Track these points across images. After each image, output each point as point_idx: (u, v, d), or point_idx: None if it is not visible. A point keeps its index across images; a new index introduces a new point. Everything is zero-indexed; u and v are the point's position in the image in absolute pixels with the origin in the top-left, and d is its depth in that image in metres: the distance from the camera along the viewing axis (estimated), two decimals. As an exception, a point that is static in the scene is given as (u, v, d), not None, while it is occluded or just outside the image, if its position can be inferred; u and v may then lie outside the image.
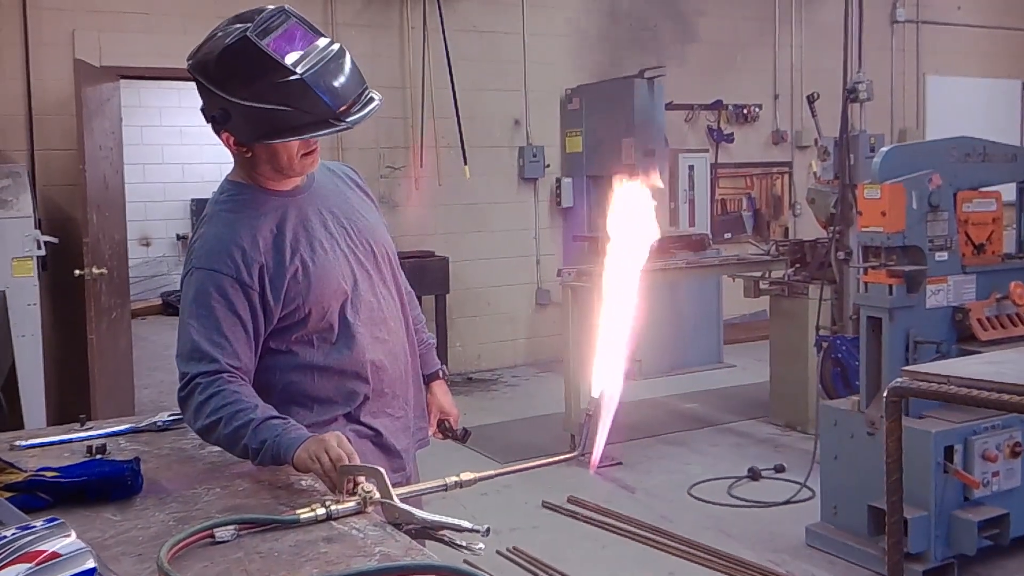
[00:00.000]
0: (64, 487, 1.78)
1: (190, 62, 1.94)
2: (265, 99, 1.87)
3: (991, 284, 4.32)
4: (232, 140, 1.99)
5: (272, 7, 1.92)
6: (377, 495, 1.70)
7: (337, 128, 1.92)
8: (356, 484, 1.71)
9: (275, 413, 1.89)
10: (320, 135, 1.95)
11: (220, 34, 1.90)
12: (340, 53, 1.93)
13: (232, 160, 2.12)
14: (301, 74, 1.86)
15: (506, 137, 8.56)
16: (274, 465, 1.87)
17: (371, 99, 1.98)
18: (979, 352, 3.80)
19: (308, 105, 1.88)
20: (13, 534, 1.21)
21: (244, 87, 1.88)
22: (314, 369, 2.09)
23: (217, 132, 1.99)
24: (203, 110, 1.97)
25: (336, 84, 1.90)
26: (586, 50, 8.65)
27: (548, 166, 8.67)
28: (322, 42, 1.93)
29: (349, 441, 2.04)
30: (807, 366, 6.06)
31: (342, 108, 1.92)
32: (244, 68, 1.87)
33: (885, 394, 2.71)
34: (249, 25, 1.86)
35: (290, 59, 1.86)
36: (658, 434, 6.34)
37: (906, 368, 3.04)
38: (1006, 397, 2.44)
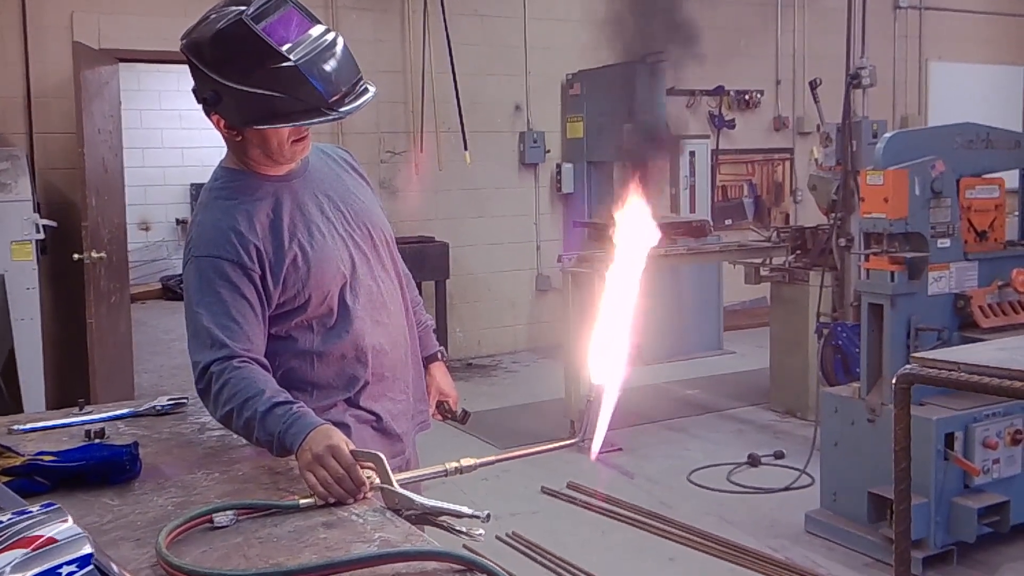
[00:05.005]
0: (62, 471, 1.78)
1: (183, 42, 1.92)
2: (257, 84, 1.85)
3: (993, 271, 4.31)
4: (222, 123, 1.97)
5: None
6: (377, 481, 1.70)
7: (329, 117, 1.90)
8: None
9: (280, 399, 1.86)
10: (311, 123, 1.93)
11: (215, 15, 1.88)
12: (336, 41, 1.92)
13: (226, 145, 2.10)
14: (295, 61, 1.84)
15: (507, 122, 8.54)
16: (288, 456, 1.85)
17: (366, 90, 1.96)
18: (980, 339, 3.79)
19: (301, 93, 1.86)
20: (9, 519, 1.20)
21: (236, 71, 1.86)
22: (313, 355, 2.08)
23: (208, 114, 1.97)
24: (194, 91, 1.95)
25: (330, 73, 1.88)
26: (587, 35, 8.61)
27: (549, 152, 8.65)
28: (318, 29, 1.91)
29: (350, 430, 2.03)
30: (807, 353, 6.07)
31: (335, 97, 1.89)
32: (237, 52, 1.85)
33: (894, 381, 2.68)
34: (245, 8, 1.84)
35: (284, 45, 1.84)
36: (658, 420, 6.34)
37: (915, 355, 3.02)
38: (1017, 384, 2.42)
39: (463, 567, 1.39)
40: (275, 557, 1.45)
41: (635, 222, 1.80)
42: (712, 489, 5.06)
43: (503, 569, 1.35)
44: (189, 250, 2.02)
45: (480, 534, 1.61)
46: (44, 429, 2.17)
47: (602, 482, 5.02)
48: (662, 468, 5.40)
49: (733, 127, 9.58)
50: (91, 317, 5.84)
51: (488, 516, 1.60)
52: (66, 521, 1.20)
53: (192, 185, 12.41)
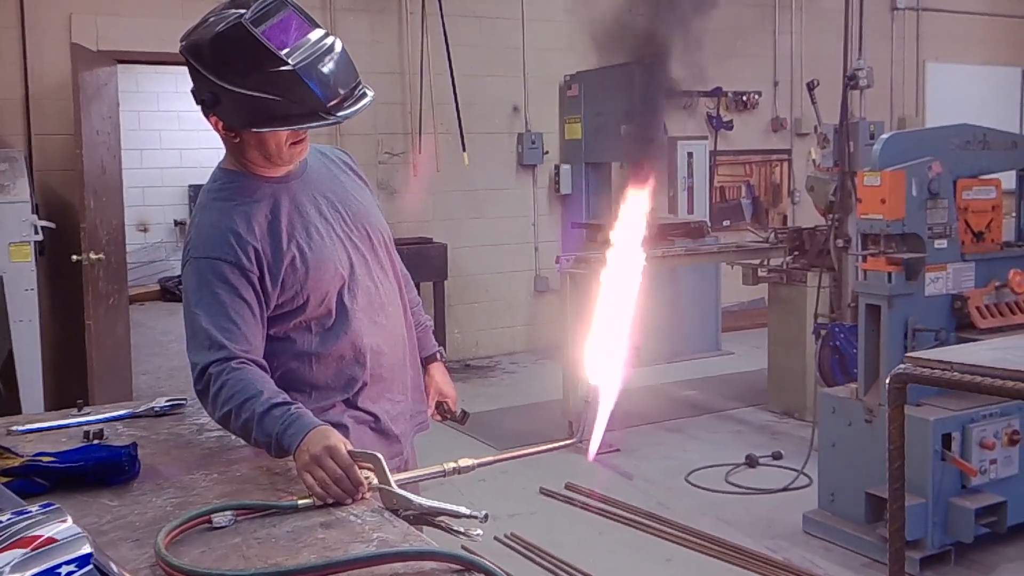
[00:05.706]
0: (61, 472, 1.78)
1: (183, 44, 1.93)
2: (255, 87, 1.86)
3: (990, 272, 4.32)
4: (220, 124, 1.98)
5: None
6: (375, 481, 1.70)
7: (327, 122, 1.91)
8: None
9: (278, 400, 1.86)
10: (309, 127, 1.94)
11: (215, 18, 1.89)
12: (335, 46, 1.93)
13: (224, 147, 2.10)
14: (293, 65, 1.84)
15: (505, 123, 8.53)
16: (286, 456, 1.85)
17: (364, 94, 1.97)
18: (978, 340, 3.79)
19: (299, 96, 1.87)
20: (9, 519, 1.20)
21: (235, 73, 1.86)
22: (312, 356, 2.08)
23: (206, 116, 1.98)
24: (193, 93, 1.96)
25: (329, 77, 1.89)
26: (585, 36, 8.61)
27: (547, 153, 8.64)
28: (317, 33, 1.92)
29: (348, 431, 2.03)
30: (805, 354, 6.07)
31: (333, 101, 1.90)
32: (236, 55, 1.86)
33: (888, 380, 2.69)
34: (245, 11, 1.85)
35: (283, 49, 1.85)
36: (656, 421, 6.34)
37: (909, 354, 3.03)
38: (1010, 384, 2.43)
39: (461, 567, 1.39)
40: (273, 557, 1.46)
41: (630, 225, 1.81)
42: (710, 490, 5.07)
43: (501, 569, 1.36)
44: (187, 251, 2.02)
45: (478, 534, 1.61)
46: (43, 430, 2.17)
47: (600, 483, 5.02)
48: (660, 469, 5.41)
49: (731, 128, 9.58)
50: (89, 318, 5.84)
51: (486, 516, 1.60)
52: (65, 521, 1.20)
53: (190, 186, 12.39)
